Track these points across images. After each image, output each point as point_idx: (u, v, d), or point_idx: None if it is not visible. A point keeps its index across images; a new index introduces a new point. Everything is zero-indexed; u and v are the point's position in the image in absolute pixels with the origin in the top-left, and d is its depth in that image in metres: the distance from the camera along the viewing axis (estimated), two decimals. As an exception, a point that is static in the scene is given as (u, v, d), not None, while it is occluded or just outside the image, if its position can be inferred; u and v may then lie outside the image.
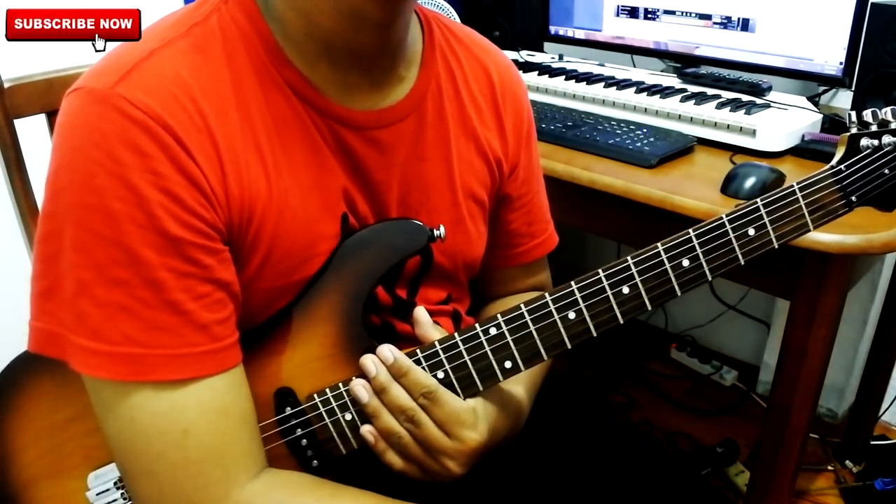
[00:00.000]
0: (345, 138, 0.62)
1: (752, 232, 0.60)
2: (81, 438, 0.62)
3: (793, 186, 0.60)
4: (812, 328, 0.98)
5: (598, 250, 2.09)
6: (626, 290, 0.59)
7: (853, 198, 0.62)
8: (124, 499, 0.63)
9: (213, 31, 0.58)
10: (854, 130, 0.63)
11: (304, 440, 0.63)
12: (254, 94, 0.58)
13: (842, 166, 0.62)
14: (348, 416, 0.63)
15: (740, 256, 0.60)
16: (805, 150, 1.13)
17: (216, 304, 0.55)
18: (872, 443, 1.61)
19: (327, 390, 0.63)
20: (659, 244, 0.59)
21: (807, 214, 0.61)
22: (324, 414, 0.63)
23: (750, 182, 0.98)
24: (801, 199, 0.60)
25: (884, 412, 1.61)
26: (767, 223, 0.60)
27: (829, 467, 1.60)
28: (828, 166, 0.62)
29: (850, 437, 1.62)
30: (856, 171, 0.62)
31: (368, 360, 0.61)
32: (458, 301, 0.77)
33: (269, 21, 0.59)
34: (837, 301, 0.98)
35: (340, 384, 0.62)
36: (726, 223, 0.59)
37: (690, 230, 0.60)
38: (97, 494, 0.63)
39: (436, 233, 0.65)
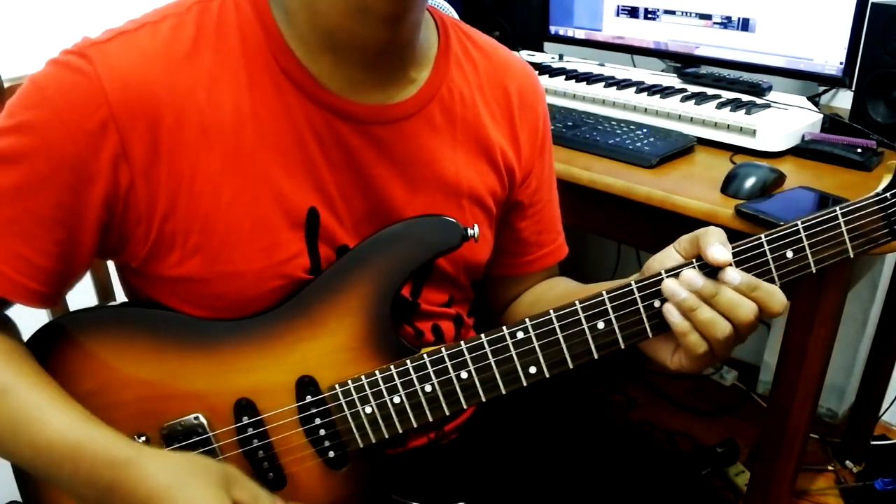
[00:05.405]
0: (341, 131, 0.62)
1: (790, 255, 0.58)
2: (100, 412, 0.60)
3: (835, 210, 0.58)
4: (812, 328, 0.98)
5: (598, 250, 2.09)
6: (657, 303, 0.58)
7: None
8: None
9: (211, 12, 0.59)
10: None
11: (323, 430, 0.63)
12: (235, 78, 0.58)
13: (887, 194, 0.59)
14: (368, 410, 0.63)
15: (776, 279, 0.58)
16: (805, 151, 1.13)
17: (44, 251, 0.58)
18: (872, 443, 1.62)
19: (349, 382, 0.63)
20: (694, 261, 0.57)
21: (847, 241, 0.58)
22: (344, 405, 0.63)
23: (750, 182, 0.98)
24: (842, 224, 0.58)
25: (884, 412, 1.62)
26: (807, 247, 0.58)
27: (829, 467, 1.60)
28: (873, 193, 0.59)
29: (850, 437, 1.62)
30: None
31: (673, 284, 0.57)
32: (461, 304, 0.77)
33: (274, 10, 0.59)
34: (837, 301, 0.98)
35: (363, 377, 0.63)
36: (764, 244, 0.58)
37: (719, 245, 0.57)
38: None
39: (469, 232, 0.63)
